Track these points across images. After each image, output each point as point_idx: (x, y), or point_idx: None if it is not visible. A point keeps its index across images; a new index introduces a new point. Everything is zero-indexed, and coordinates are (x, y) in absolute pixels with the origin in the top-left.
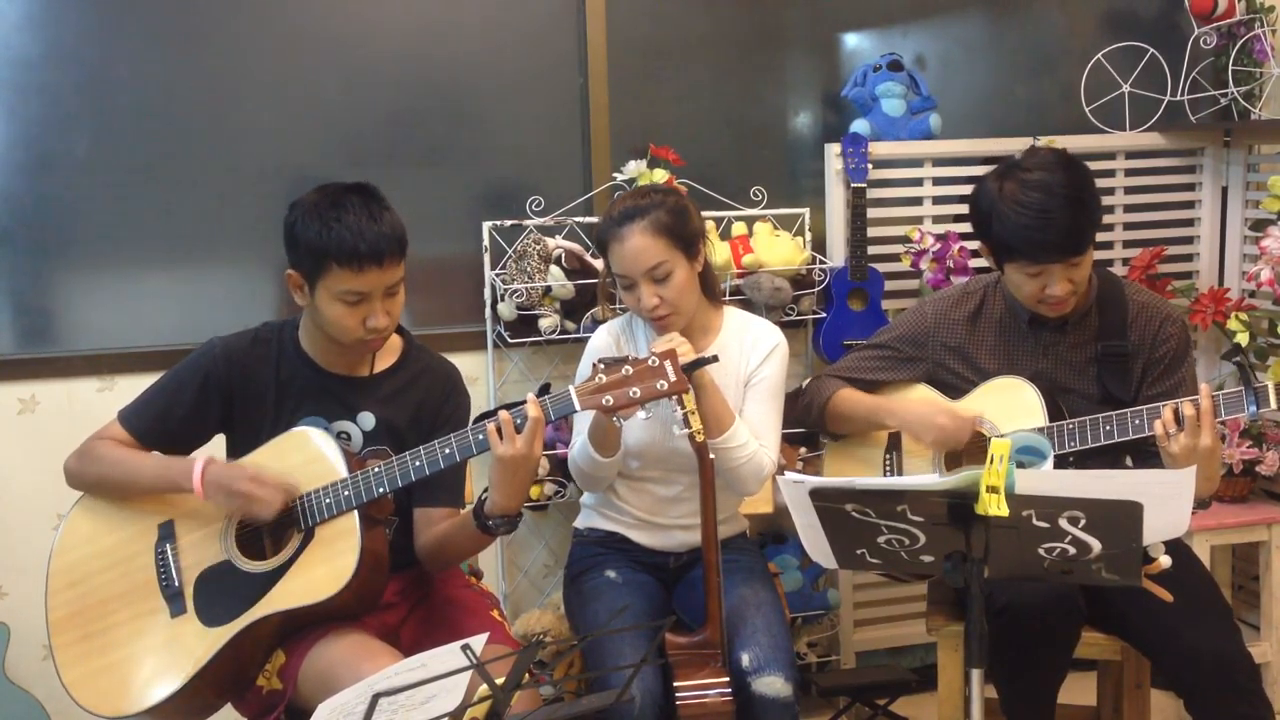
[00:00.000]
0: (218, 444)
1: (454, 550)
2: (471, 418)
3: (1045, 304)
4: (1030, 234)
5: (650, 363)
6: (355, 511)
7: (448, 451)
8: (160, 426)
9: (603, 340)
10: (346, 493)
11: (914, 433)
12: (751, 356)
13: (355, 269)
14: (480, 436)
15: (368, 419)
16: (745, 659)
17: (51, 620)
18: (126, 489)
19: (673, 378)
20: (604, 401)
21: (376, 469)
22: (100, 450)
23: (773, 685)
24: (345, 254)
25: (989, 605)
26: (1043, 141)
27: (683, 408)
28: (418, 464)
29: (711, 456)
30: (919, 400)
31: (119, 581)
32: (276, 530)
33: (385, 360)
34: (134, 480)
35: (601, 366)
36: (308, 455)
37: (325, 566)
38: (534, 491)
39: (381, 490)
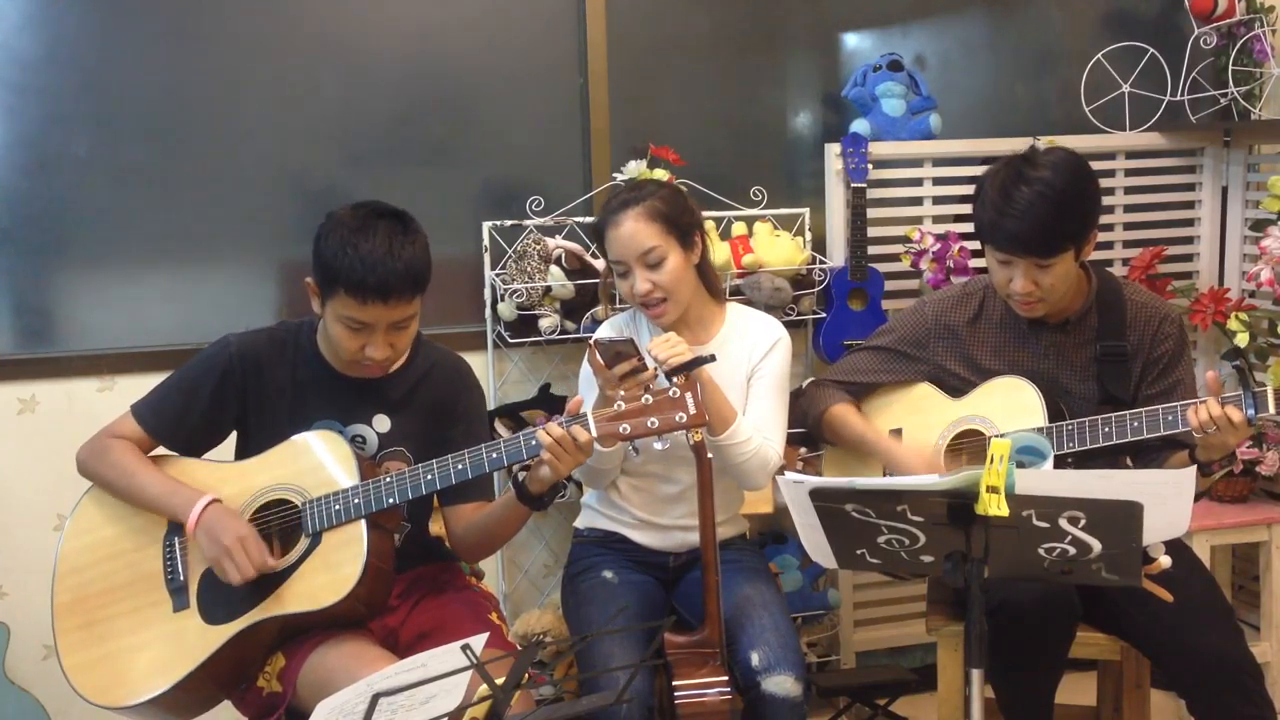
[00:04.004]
0: (227, 443)
1: (501, 534)
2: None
3: (1012, 300)
4: (997, 218)
5: (671, 393)
6: (363, 520)
7: (460, 467)
8: (176, 426)
9: (606, 335)
10: (356, 500)
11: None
12: (754, 352)
13: (359, 299)
14: (494, 455)
15: (383, 422)
16: (755, 658)
17: (56, 605)
18: (129, 500)
19: (692, 411)
20: (621, 430)
21: (388, 478)
22: (112, 454)
23: (783, 685)
24: (352, 283)
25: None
26: (1043, 141)
27: (691, 431)
28: (429, 478)
29: (710, 456)
30: (907, 449)
31: (125, 571)
32: (284, 533)
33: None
34: (136, 496)
35: (599, 349)
36: (321, 458)
37: (329, 574)
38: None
39: (391, 501)
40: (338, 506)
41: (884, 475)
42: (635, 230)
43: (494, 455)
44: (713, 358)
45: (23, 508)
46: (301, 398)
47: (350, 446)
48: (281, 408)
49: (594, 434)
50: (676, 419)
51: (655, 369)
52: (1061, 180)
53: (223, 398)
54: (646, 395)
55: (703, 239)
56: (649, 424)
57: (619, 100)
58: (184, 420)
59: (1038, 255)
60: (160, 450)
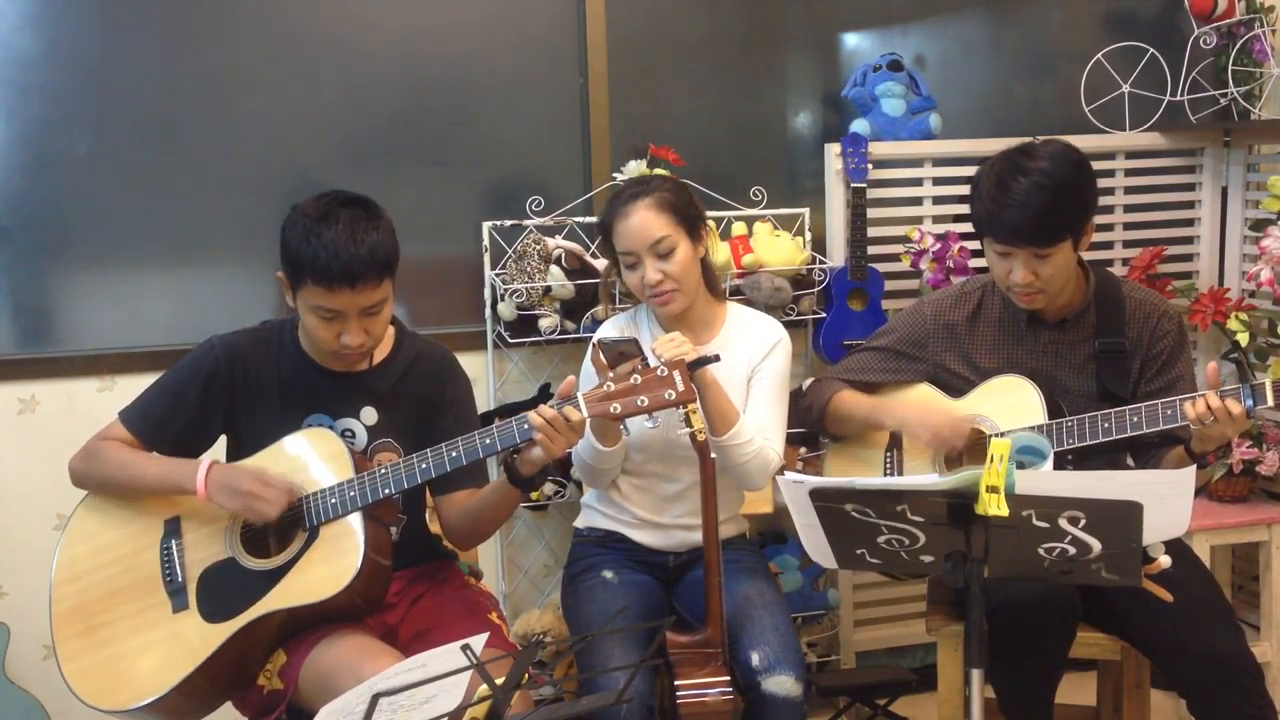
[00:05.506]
0: (218, 446)
1: (493, 519)
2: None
3: (1012, 291)
4: (995, 208)
5: (659, 372)
6: (360, 512)
7: (454, 455)
8: (164, 429)
9: (609, 336)
10: (352, 493)
11: (910, 433)
12: (754, 352)
13: (326, 287)
14: (487, 440)
15: (370, 415)
16: (755, 658)
17: (55, 613)
18: (131, 491)
19: (680, 387)
20: (611, 409)
21: (383, 469)
22: (105, 452)
23: (783, 684)
24: (317, 271)
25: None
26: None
27: (684, 407)
28: (424, 466)
29: (713, 455)
30: (916, 401)
31: (123, 576)
32: (281, 529)
33: (380, 352)
34: (138, 483)
35: (602, 349)
36: (313, 455)
37: (328, 566)
38: (533, 493)
39: (387, 491)
40: (334, 500)
41: (889, 457)
42: (646, 220)
43: (487, 441)
44: (717, 357)
45: (23, 508)
46: (288, 395)
47: (343, 442)
48: (269, 406)
49: (585, 413)
50: (666, 396)
51: (658, 369)
52: (1059, 170)
53: (209, 399)
54: (635, 375)
55: (706, 233)
56: (639, 402)
57: (619, 100)
58: (172, 423)
59: (1037, 245)
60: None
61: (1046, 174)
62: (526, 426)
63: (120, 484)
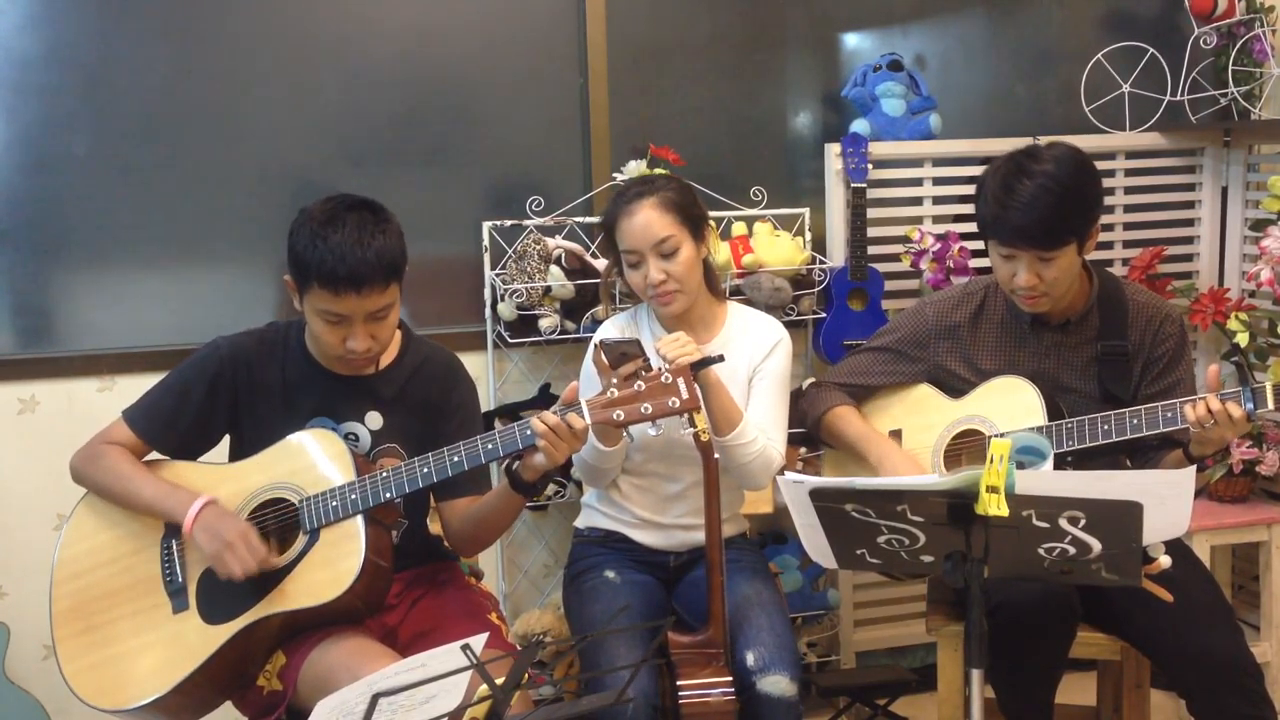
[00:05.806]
0: (221, 446)
1: (496, 525)
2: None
3: (1016, 294)
4: (1000, 211)
5: (663, 378)
6: (360, 516)
7: (456, 459)
8: (168, 429)
9: (611, 336)
10: (353, 496)
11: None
12: (755, 352)
13: (333, 291)
14: (490, 446)
15: (375, 419)
16: (750, 658)
17: (55, 612)
18: (123, 505)
19: (685, 395)
20: (615, 416)
21: (385, 474)
22: (106, 460)
23: (778, 684)
24: (324, 275)
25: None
26: (1043, 142)
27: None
28: (426, 470)
29: (717, 455)
30: (901, 451)
31: (123, 575)
32: (282, 532)
33: (386, 356)
34: (131, 502)
35: (604, 349)
36: (316, 456)
37: (328, 570)
38: None
39: (389, 495)
40: (335, 503)
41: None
42: (650, 219)
43: (489, 446)
44: (721, 358)
45: (23, 508)
46: (293, 397)
47: (345, 443)
48: (273, 408)
49: (588, 420)
50: (670, 404)
51: (661, 369)
52: (1064, 173)
53: (214, 400)
54: (639, 382)
55: (709, 234)
56: (643, 409)
57: (619, 100)
58: (176, 424)
59: (1041, 248)
60: (154, 455)
61: (1051, 177)
62: (529, 432)
63: (115, 496)
